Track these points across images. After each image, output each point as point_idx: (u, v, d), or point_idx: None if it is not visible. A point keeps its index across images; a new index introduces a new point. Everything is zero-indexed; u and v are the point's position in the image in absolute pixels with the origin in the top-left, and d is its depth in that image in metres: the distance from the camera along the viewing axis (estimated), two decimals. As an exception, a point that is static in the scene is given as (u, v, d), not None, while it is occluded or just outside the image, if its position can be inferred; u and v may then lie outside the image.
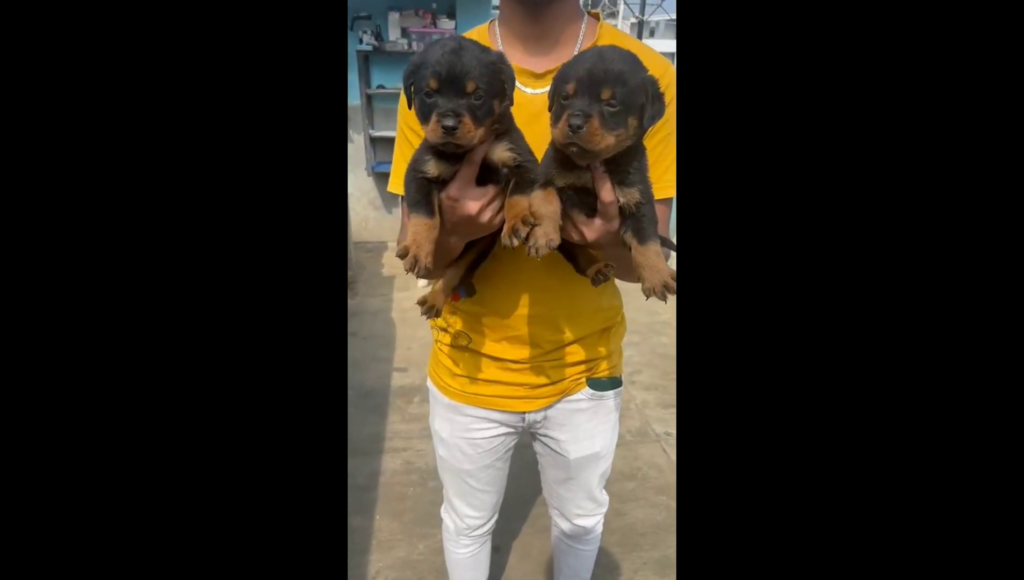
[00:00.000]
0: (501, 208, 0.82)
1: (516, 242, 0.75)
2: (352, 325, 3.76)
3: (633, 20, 6.13)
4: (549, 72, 0.96)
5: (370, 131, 5.22)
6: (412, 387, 3.03)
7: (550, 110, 0.78)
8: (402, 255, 0.76)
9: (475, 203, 0.79)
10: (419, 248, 0.76)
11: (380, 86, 5.15)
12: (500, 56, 0.77)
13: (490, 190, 0.80)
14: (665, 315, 3.98)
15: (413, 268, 0.75)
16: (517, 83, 0.96)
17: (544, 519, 2.15)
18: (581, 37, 0.98)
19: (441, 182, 0.80)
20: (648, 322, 3.87)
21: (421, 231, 0.77)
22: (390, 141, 5.28)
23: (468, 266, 1.00)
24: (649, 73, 0.74)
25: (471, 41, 0.76)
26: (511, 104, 0.78)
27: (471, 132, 0.72)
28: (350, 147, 5.25)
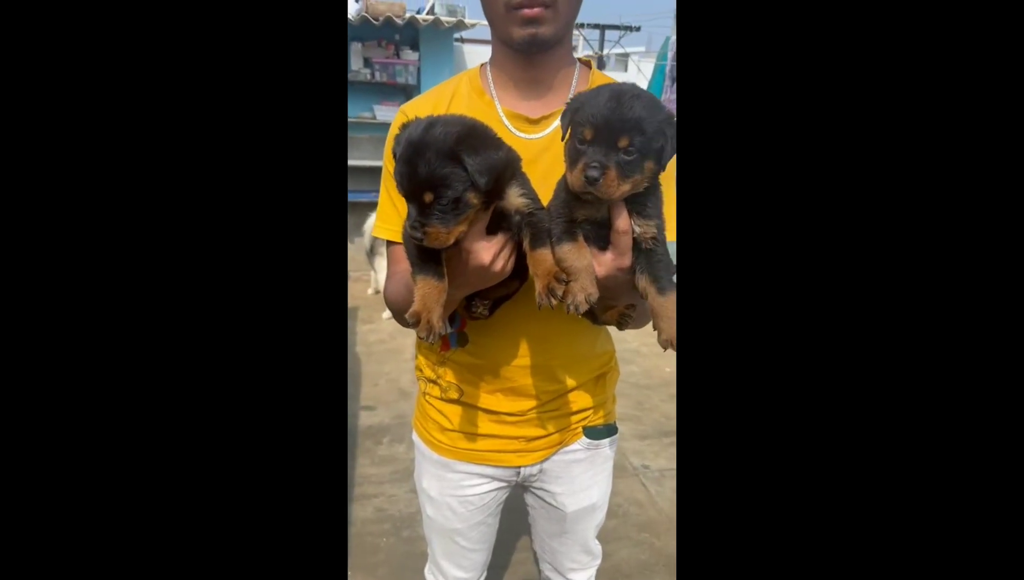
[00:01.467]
0: (511, 255, 0.78)
1: (554, 302, 0.70)
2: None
3: (591, 54, 6.36)
4: (544, 117, 0.94)
5: (331, 160, 5.13)
6: (381, 427, 2.90)
7: (564, 144, 0.75)
8: (414, 322, 0.71)
9: (488, 253, 0.74)
10: (430, 312, 0.71)
11: (342, 115, 5.08)
12: (459, 139, 0.68)
13: (500, 238, 0.76)
14: (633, 343, 4.01)
15: (428, 335, 0.70)
16: (511, 127, 0.94)
17: (525, 565, 2.06)
18: (574, 83, 0.97)
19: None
20: (617, 351, 3.88)
21: (431, 294, 0.72)
22: (352, 170, 5.19)
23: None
24: (667, 112, 0.73)
25: (437, 128, 0.69)
26: (485, 188, 0.70)
27: (440, 238, 0.69)
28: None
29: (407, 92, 5.25)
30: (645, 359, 3.84)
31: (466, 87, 0.98)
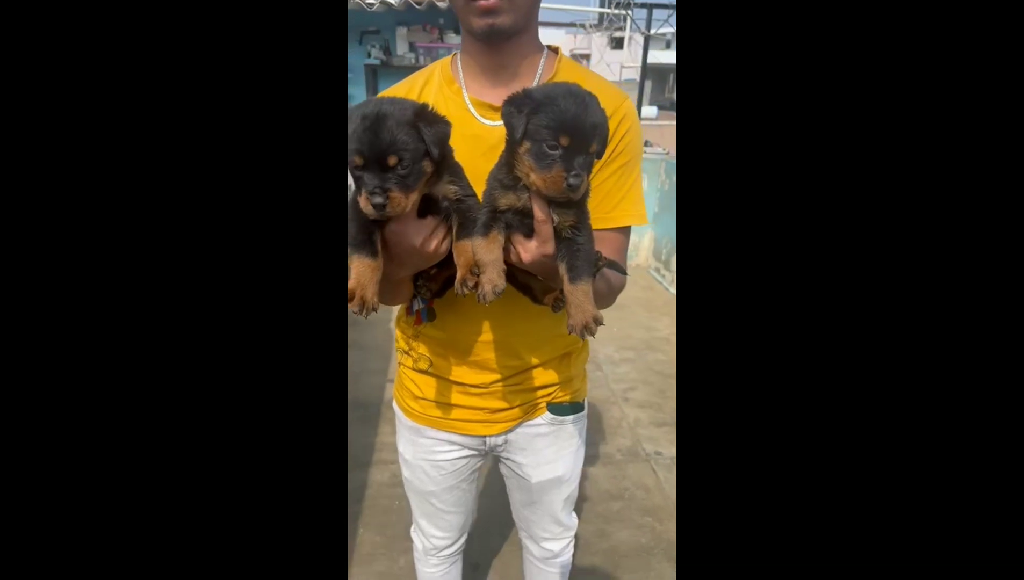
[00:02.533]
0: (444, 237, 0.84)
1: (467, 291, 0.78)
2: (349, 335, 3.80)
3: (641, 34, 6.18)
4: None
5: (376, 143, 5.31)
6: (405, 399, 3.05)
7: (517, 141, 0.77)
8: (350, 300, 0.77)
9: (418, 235, 0.81)
10: (364, 289, 0.77)
11: (387, 99, 5.24)
12: (416, 112, 0.75)
13: (431, 222, 0.82)
14: (664, 331, 3.97)
15: (361, 310, 0.76)
16: (476, 114, 0.99)
17: (526, 537, 2.15)
18: (540, 70, 1.00)
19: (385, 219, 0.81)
20: (645, 338, 3.86)
21: (365, 272, 0.78)
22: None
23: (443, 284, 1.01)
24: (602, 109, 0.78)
25: (389, 105, 0.75)
26: (442, 156, 0.77)
27: (401, 204, 0.74)
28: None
29: (451, 76, 5.35)
30: (674, 348, 3.79)
31: (437, 75, 1.03)
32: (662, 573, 2.01)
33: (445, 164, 0.82)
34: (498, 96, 0.98)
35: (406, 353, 1.16)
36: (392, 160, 0.73)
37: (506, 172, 0.80)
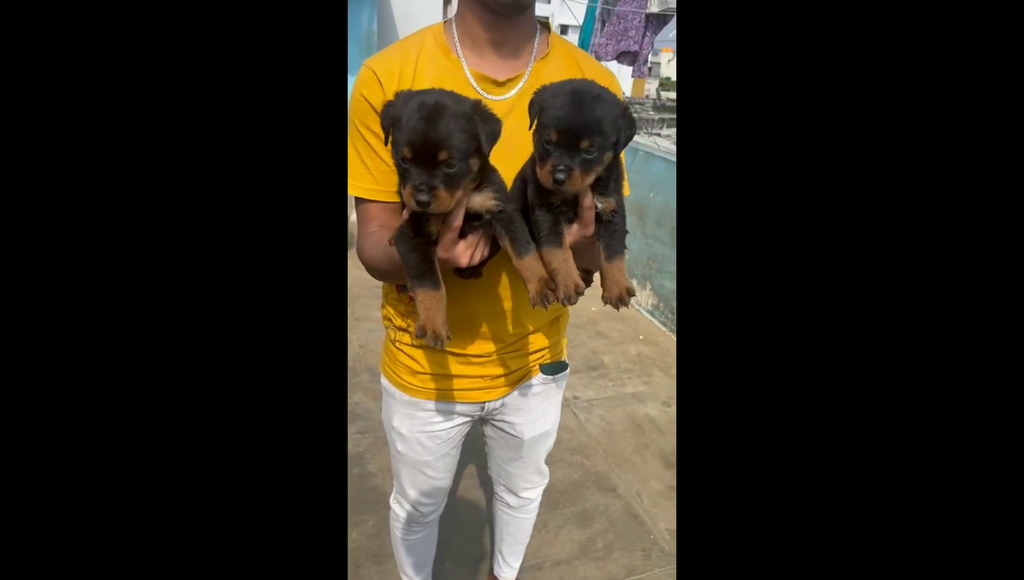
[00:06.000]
0: (485, 246, 0.85)
1: (547, 306, 0.79)
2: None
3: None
4: (510, 80, 0.99)
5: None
6: (320, 374, 2.92)
7: (532, 135, 0.80)
8: (421, 335, 0.76)
9: (464, 256, 0.82)
10: (434, 322, 0.77)
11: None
12: (474, 107, 0.74)
13: (472, 240, 0.81)
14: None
15: (436, 343, 0.77)
16: (478, 88, 0.98)
17: (473, 491, 2.25)
18: (535, 46, 1.02)
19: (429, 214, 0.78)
20: (547, 293, 4.09)
21: (432, 305, 0.78)
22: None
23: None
24: (621, 106, 0.81)
25: (448, 97, 0.73)
26: (488, 155, 0.76)
27: (445, 202, 0.71)
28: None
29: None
30: (572, 300, 4.08)
31: (431, 44, 0.99)
32: (596, 502, 2.27)
33: (485, 175, 0.80)
34: (499, 71, 0.99)
35: (402, 330, 1.15)
36: (443, 155, 0.70)
37: None
